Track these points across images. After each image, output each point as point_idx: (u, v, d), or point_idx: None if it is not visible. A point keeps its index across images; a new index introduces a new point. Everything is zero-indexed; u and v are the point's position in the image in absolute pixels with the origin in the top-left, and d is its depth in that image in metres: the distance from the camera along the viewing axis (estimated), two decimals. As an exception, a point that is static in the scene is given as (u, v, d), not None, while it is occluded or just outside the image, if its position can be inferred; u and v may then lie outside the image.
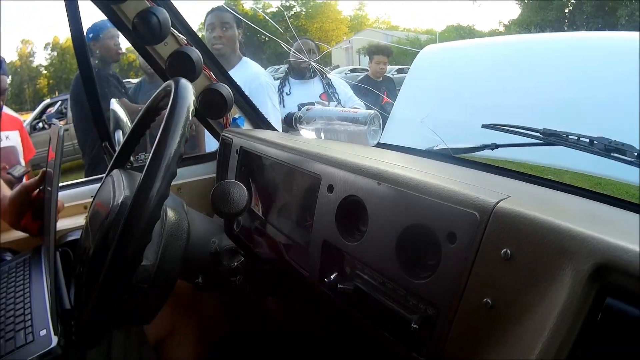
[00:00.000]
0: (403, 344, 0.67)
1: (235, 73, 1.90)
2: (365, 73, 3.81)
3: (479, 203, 0.57)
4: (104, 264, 0.63)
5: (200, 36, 1.50)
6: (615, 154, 0.93)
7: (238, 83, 1.51)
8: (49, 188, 1.00)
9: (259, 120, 1.52)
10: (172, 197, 0.91)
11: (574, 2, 34.49)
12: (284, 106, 2.51)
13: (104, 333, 0.70)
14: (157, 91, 0.91)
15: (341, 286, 0.78)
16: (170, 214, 0.85)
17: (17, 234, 1.21)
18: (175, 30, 1.33)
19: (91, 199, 1.02)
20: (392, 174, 0.72)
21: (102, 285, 0.63)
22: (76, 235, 1.19)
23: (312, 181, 0.91)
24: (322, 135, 1.29)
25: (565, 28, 32.92)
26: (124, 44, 2.76)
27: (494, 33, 35.32)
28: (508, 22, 37.79)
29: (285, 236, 1.03)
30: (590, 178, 1.22)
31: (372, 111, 1.19)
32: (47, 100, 11.23)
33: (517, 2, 38.46)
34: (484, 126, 1.12)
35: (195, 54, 1.31)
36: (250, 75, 2.17)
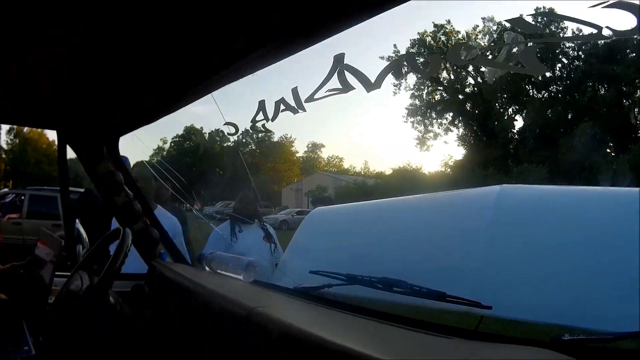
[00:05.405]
0: None
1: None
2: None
3: (245, 306, 1.20)
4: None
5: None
6: (394, 287, 1.38)
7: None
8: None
9: (177, 256, 2.11)
10: None
11: (517, 138, 37.65)
12: (236, 238, 2.83)
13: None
14: (109, 232, 1.63)
15: None
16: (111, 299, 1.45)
17: None
18: (126, 187, 1.94)
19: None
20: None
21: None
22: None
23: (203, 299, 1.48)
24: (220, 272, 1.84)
25: (510, 162, 35.64)
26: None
27: (439, 174, 38.44)
28: (453, 163, 40.52)
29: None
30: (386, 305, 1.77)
31: (251, 259, 1.76)
32: (5, 190, 11.58)
33: (461, 143, 41.12)
34: (311, 272, 1.70)
35: (137, 206, 1.91)
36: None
